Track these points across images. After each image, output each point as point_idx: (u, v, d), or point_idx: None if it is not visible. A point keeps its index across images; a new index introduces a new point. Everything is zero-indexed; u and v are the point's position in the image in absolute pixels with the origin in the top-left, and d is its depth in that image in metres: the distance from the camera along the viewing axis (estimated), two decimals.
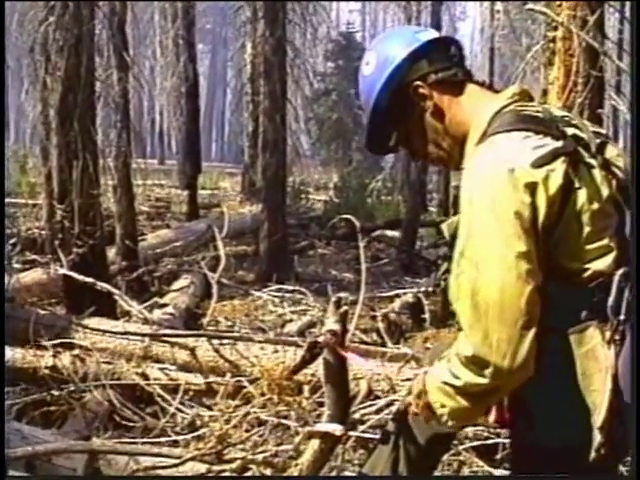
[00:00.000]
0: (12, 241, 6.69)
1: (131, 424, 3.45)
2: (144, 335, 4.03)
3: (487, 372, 1.52)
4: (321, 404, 2.92)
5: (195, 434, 3.17)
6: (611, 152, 1.63)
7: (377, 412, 3.13)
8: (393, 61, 1.74)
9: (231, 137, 40.98)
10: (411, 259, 8.70)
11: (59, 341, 3.96)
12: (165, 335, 4.04)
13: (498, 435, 2.96)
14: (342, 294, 2.66)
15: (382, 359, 3.47)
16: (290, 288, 6.50)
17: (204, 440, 2.93)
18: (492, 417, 1.69)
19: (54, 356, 3.84)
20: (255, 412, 3.20)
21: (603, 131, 1.74)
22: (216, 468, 2.64)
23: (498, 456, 2.99)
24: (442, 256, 1.75)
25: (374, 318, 5.24)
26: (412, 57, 1.73)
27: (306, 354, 2.28)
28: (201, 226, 9.10)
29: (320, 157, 23.89)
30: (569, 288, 1.55)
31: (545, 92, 3.75)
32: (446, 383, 1.61)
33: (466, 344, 1.55)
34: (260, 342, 3.83)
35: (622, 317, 1.50)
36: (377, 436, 2.57)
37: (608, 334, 1.51)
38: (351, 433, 2.91)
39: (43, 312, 4.69)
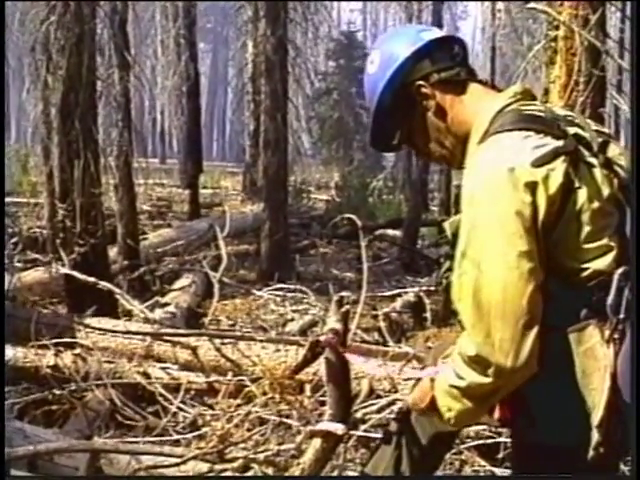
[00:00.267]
0: (14, 240, 6.69)
1: (133, 423, 3.45)
2: (146, 334, 4.03)
3: (490, 371, 1.52)
4: (323, 403, 2.92)
5: (197, 433, 3.17)
6: (613, 151, 1.63)
7: (379, 411, 3.13)
8: (396, 60, 1.74)
9: (232, 136, 41.05)
10: (412, 258, 8.69)
11: (61, 340, 3.96)
12: (167, 334, 4.04)
13: (500, 434, 2.96)
14: (344, 293, 2.66)
15: (383, 358, 3.46)
16: (291, 287, 6.49)
17: (206, 439, 2.93)
18: (496, 414, 1.69)
19: (56, 355, 3.84)
20: (257, 411, 3.20)
21: (606, 130, 1.74)
22: (218, 467, 2.63)
23: (500, 455, 2.99)
24: (444, 255, 1.75)
25: (375, 317, 5.25)
26: (415, 56, 1.74)
27: (308, 353, 2.28)
28: (202, 225, 9.11)
29: (321, 156, 23.86)
30: (569, 287, 1.55)
31: (547, 91, 3.74)
32: (452, 386, 1.61)
33: (469, 343, 1.55)
34: (262, 341, 3.83)
35: (621, 316, 1.50)
36: (379, 435, 2.58)
37: (607, 333, 1.51)
38: (353, 432, 2.91)
39: (45, 311, 4.71)
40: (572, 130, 1.60)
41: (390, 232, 10.40)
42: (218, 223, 7.40)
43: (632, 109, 1.68)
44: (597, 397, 1.51)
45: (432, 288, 5.60)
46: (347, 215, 6.53)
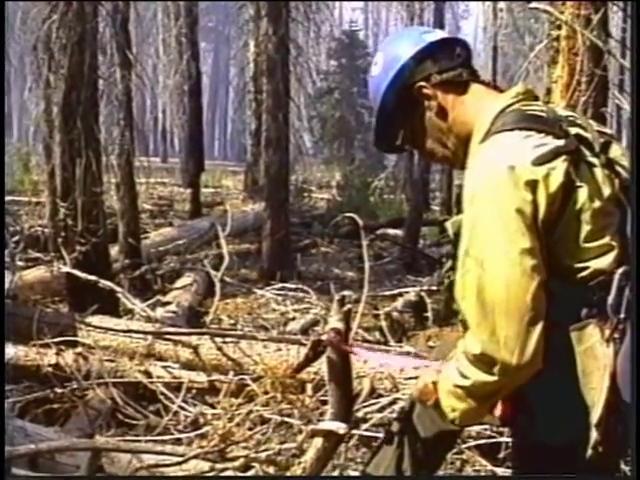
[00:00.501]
0: (15, 239, 6.68)
1: (134, 422, 3.46)
2: (147, 333, 4.03)
3: (495, 369, 1.52)
4: (324, 402, 2.92)
5: (198, 432, 3.17)
6: (615, 151, 1.63)
7: (380, 410, 3.13)
8: (398, 61, 1.76)
9: (234, 135, 41.05)
10: (414, 257, 8.69)
11: (62, 339, 3.96)
12: (168, 333, 4.04)
13: (501, 434, 2.96)
14: (345, 292, 2.66)
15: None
16: (293, 286, 6.50)
17: (207, 438, 2.93)
18: (497, 412, 1.69)
19: (57, 354, 3.84)
20: (258, 410, 3.21)
21: (609, 131, 1.75)
22: (219, 466, 2.64)
23: (501, 455, 2.99)
24: (446, 254, 1.76)
25: (377, 316, 5.25)
26: (417, 58, 1.75)
27: (309, 352, 2.27)
28: (204, 224, 9.11)
29: (323, 155, 23.86)
30: (569, 286, 1.55)
31: (549, 91, 3.74)
32: (456, 386, 1.61)
33: (474, 342, 1.55)
34: (263, 340, 3.83)
35: (622, 316, 1.51)
36: (380, 434, 2.58)
37: (607, 332, 1.52)
38: (354, 431, 2.92)
39: (46, 310, 4.70)
40: (574, 130, 1.61)
41: (391, 231, 10.40)
42: (219, 222, 7.40)
43: (632, 109, 1.67)
44: (596, 396, 1.52)
45: (433, 287, 5.60)
46: (348, 214, 6.54)
